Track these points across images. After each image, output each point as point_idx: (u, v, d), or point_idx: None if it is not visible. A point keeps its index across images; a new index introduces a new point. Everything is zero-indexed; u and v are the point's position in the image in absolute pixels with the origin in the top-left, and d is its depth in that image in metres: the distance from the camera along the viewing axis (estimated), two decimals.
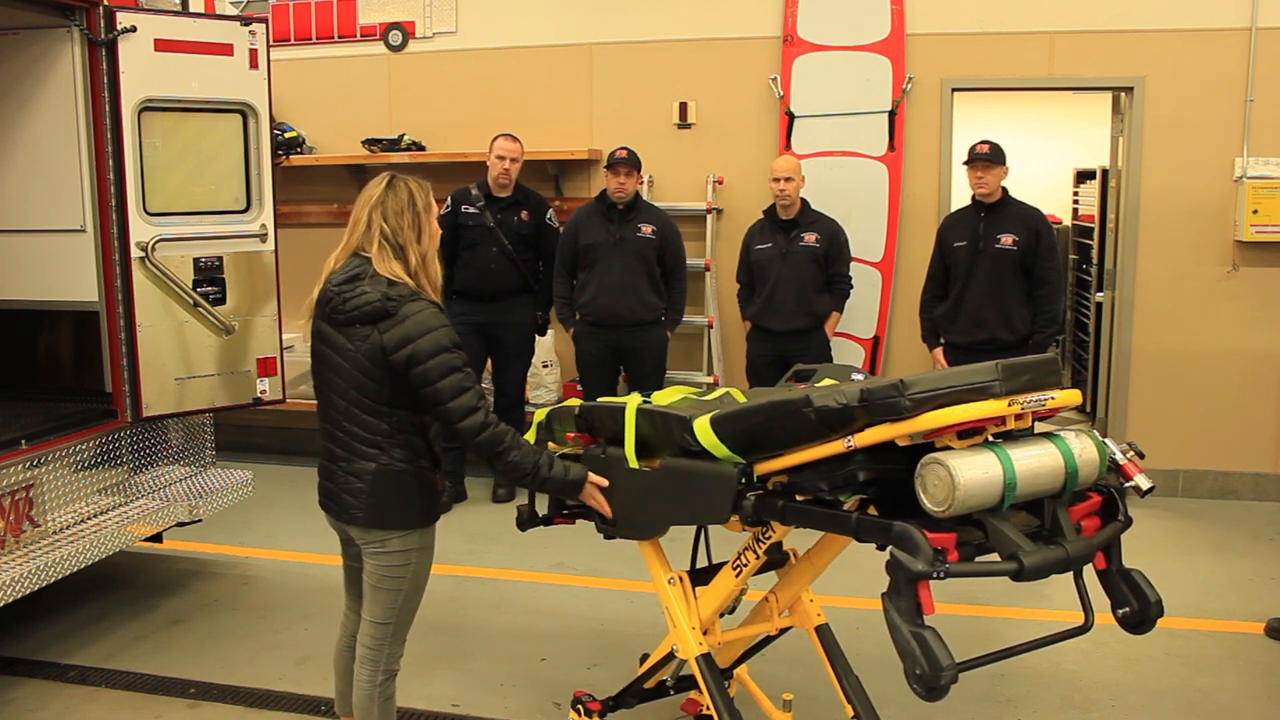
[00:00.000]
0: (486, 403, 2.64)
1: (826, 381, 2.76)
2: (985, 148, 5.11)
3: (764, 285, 5.48)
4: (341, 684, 3.04)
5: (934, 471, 2.02)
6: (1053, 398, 2.11)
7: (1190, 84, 5.68)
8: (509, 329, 5.77)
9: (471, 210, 5.63)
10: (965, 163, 5.19)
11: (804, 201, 5.49)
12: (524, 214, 5.72)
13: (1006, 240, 5.11)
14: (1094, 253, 6.95)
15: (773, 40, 6.10)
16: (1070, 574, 2.19)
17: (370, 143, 6.53)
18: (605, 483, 2.76)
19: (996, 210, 5.17)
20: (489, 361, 5.90)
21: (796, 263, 5.41)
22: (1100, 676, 3.73)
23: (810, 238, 5.41)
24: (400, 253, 2.67)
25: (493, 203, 5.66)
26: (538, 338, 6.00)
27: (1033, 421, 2.16)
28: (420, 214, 2.71)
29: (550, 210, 5.88)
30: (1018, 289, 5.15)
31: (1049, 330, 5.19)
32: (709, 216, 6.19)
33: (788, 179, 5.37)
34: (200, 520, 4.39)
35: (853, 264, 5.67)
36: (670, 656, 2.91)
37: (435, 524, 2.76)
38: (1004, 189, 5.19)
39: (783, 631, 2.99)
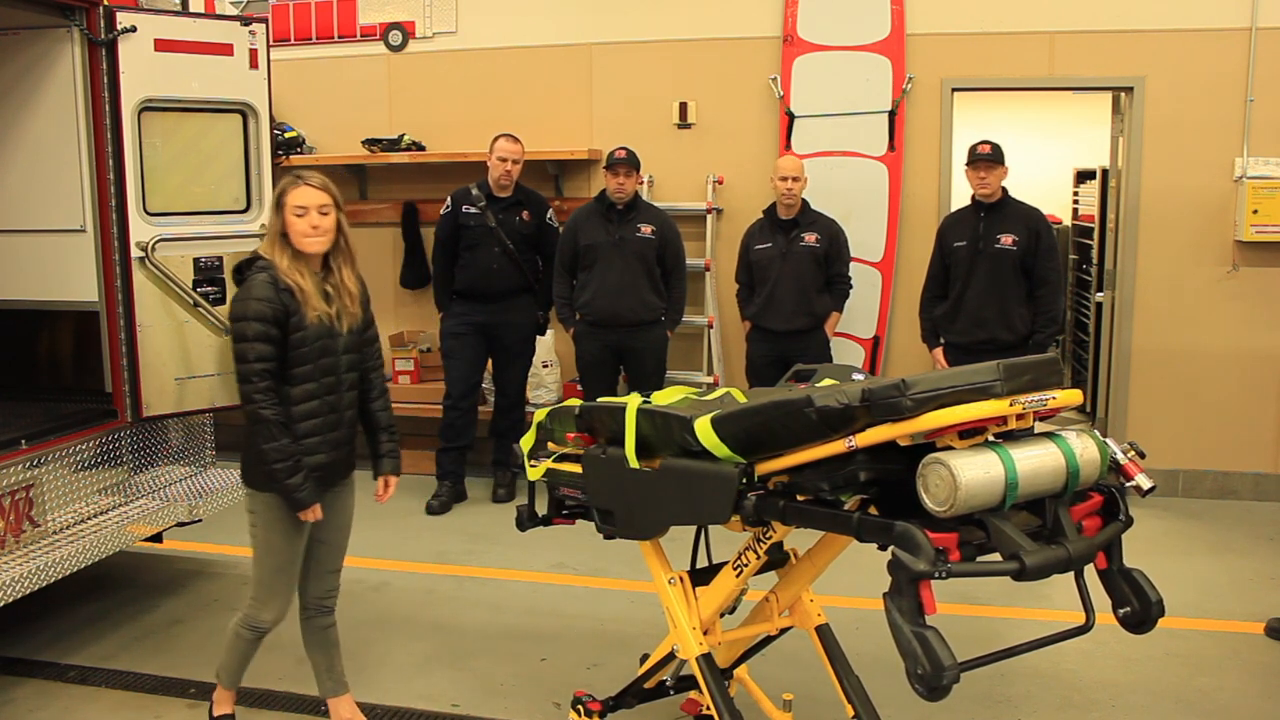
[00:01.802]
0: (268, 371, 2.91)
1: (827, 381, 2.76)
2: (987, 148, 5.11)
3: (764, 285, 5.48)
4: (312, 660, 3.35)
5: (935, 471, 2.02)
6: (1054, 397, 2.11)
7: (1190, 84, 5.69)
8: (510, 329, 5.77)
9: (473, 210, 5.63)
10: (967, 164, 5.18)
11: (804, 201, 5.49)
12: (525, 214, 5.72)
13: (1006, 240, 5.11)
14: (1094, 253, 6.95)
15: (773, 40, 6.10)
16: (1071, 574, 2.18)
17: (370, 143, 6.53)
18: (318, 517, 3.01)
19: (996, 210, 5.17)
20: (489, 361, 5.90)
21: (797, 263, 5.41)
22: (1100, 676, 3.73)
23: (810, 238, 5.41)
24: (271, 242, 3.05)
25: (494, 203, 5.65)
26: (538, 338, 6.00)
27: (1034, 421, 2.16)
28: (273, 207, 3.06)
29: (550, 210, 5.88)
30: (1018, 289, 5.15)
31: (1049, 330, 5.19)
32: (709, 216, 6.19)
33: (794, 179, 5.37)
34: (200, 520, 4.38)
35: (853, 264, 5.67)
36: (670, 656, 2.91)
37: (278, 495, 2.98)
38: (1004, 189, 5.19)
39: (783, 631, 2.98)
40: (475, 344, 5.76)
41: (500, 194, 5.67)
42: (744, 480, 2.39)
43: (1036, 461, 2.08)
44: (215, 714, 3.34)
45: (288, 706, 3.56)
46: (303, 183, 2.99)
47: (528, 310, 5.85)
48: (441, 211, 5.74)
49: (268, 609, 3.16)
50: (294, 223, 2.97)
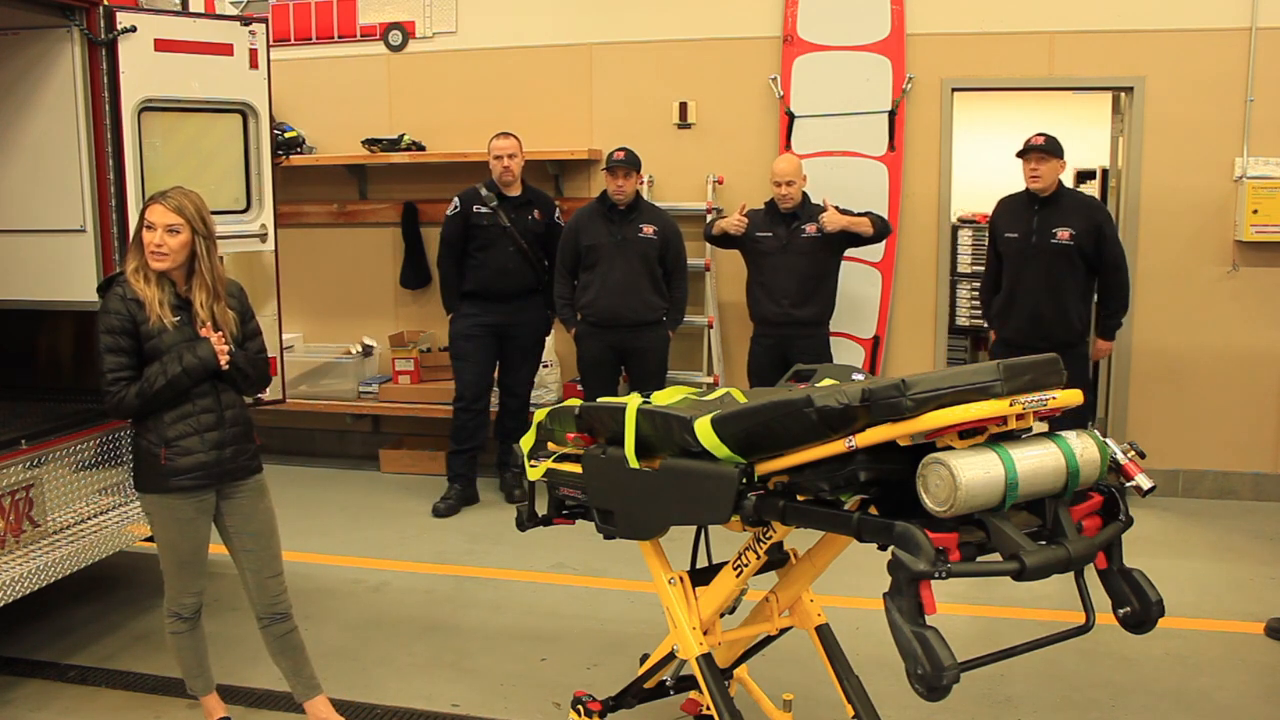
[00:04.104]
0: (120, 378, 3.07)
1: (827, 381, 2.76)
2: (1040, 139, 5.03)
3: (762, 275, 5.47)
4: (279, 667, 3.41)
5: (936, 471, 2.02)
6: (1054, 397, 2.11)
7: (1190, 84, 5.68)
8: (523, 329, 5.78)
9: (484, 210, 5.62)
10: (1019, 154, 5.11)
11: (805, 195, 5.47)
12: (537, 213, 5.73)
13: (1063, 235, 5.04)
14: None
15: (773, 40, 6.10)
16: (1071, 574, 2.18)
17: (370, 143, 6.53)
18: (217, 340, 3.07)
19: (1052, 203, 5.09)
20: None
21: (797, 253, 5.39)
22: (1100, 676, 3.73)
23: (812, 228, 5.39)
24: (130, 249, 3.11)
25: (505, 202, 5.65)
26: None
27: (1034, 421, 2.15)
28: (139, 227, 3.07)
29: (557, 209, 5.89)
30: (1077, 285, 5.11)
31: (1120, 315, 5.31)
32: (709, 216, 6.18)
33: (789, 183, 5.36)
34: None
35: (854, 264, 5.67)
36: (670, 656, 2.91)
37: (167, 494, 3.09)
38: (1060, 182, 5.13)
39: (783, 631, 2.98)
40: (488, 345, 5.74)
41: (510, 193, 5.67)
42: (744, 480, 2.38)
43: (1036, 461, 2.08)
44: None
45: (288, 706, 3.56)
46: (156, 201, 3.04)
47: (538, 310, 5.84)
48: (448, 212, 5.72)
49: (183, 596, 3.26)
50: (145, 235, 3.04)
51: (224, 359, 3.08)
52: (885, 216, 5.58)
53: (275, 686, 3.69)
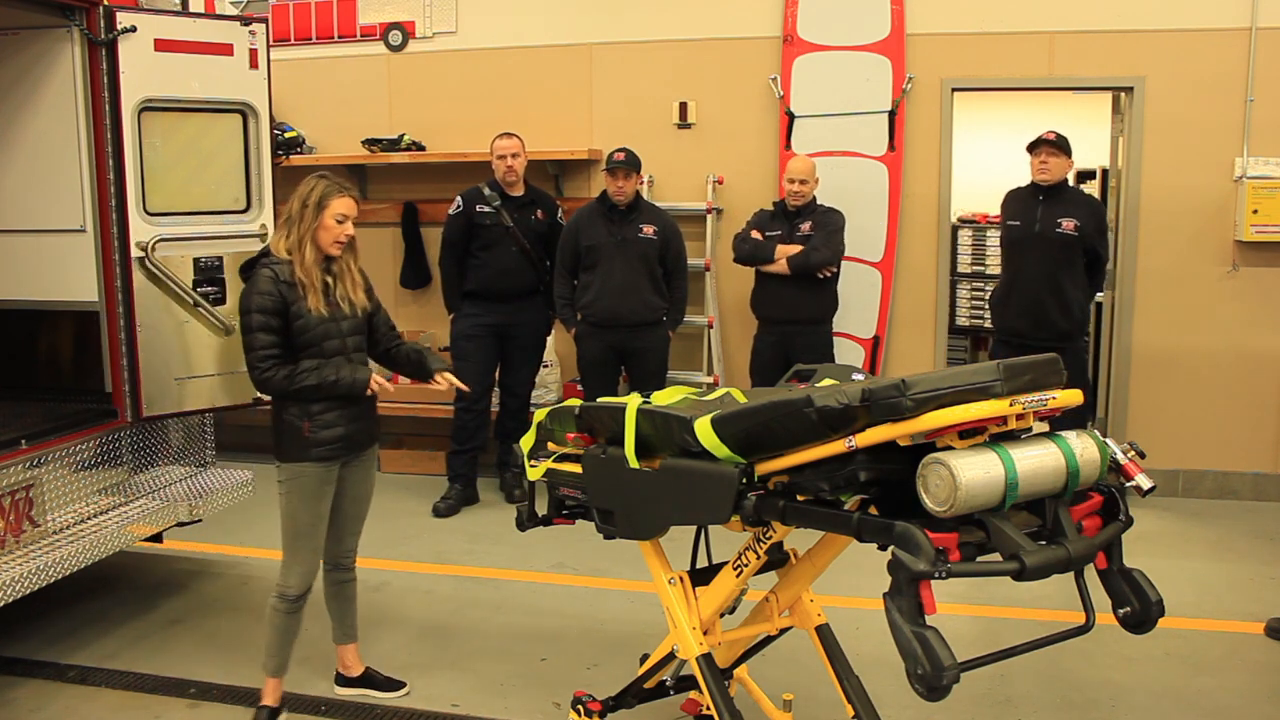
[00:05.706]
0: (270, 356, 3.20)
1: (827, 381, 2.77)
2: (1052, 135, 5.13)
3: (766, 272, 5.48)
4: (328, 609, 3.65)
5: (936, 471, 2.02)
6: (1054, 397, 2.11)
7: (1190, 84, 5.68)
8: (524, 329, 5.78)
9: (487, 210, 5.62)
10: (1029, 148, 5.19)
11: (813, 197, 5.50)
12: (540, 213, 5.73)
13: (1068, 225, 5.11)
14: None
15: (773, 40, 6.10)
16: (1071, 574, 2.18)
17: (370, 143, 6.53)
18: (384, 384, 3.30)
19: (1056, 194, 5.19)
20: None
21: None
22: (1100, 676, 3.73)
23: (805, 226, 5.40)
24: (285, 227, 3.28)
25: (508, 202, 5.65)
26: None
27: (1034, 421, 2.15)
28: (307, 205, 3.23)
29: (560, 209, 5.89)
30: (1079, 275, 5.17)
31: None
32: (709, 216, 6.19)
33: (803, 181, 5.38)
34: (200, 520, 4.38)
35: (853, 264, 5.66)
36: (670, 656, 2.91)
37: (304, 463, 3.27)
38: (1065, 179, 5.25)
39: (783, 631, 2.98)
40: (489, 345, 5.74)
41: (513, 193, 5.67)
42: (744, 480, 2.38)
43: (1036, 461, 2.08)
44: (260, 703, 3.47)
45: (288, 706, 3.55)
46: (346, 193, 3.28)
47: (540, 310, 5.84)
48: (450, 212, 5.72)
49: (290, 575, 3.35)
50: (332, 228, 3.25)
51: (373, 388, 3.29)
52: (810, 259, 5.33)
53: None
